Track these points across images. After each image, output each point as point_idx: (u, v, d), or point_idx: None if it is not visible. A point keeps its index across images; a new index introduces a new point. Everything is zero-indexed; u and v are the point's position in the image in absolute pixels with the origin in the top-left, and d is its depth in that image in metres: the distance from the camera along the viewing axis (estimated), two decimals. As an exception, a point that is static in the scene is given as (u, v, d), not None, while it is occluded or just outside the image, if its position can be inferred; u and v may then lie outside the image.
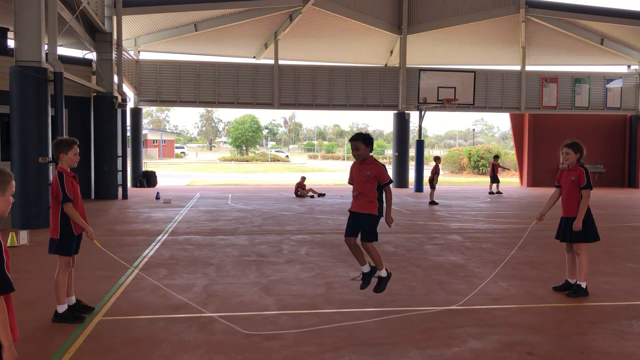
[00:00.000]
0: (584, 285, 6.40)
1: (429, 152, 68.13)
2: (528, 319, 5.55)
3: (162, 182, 26.34)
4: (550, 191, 6.75)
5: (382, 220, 5.88)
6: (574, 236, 6.36)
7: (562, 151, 6.49)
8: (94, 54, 18.36)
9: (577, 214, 6.30)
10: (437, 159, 18.99)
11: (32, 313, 5.58)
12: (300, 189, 20.35)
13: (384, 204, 5.86)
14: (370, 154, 5.86)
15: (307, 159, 74.48)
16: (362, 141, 5.76)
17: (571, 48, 27.33)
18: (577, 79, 27.35)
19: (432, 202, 17.70)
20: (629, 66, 28.62)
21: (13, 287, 2.73)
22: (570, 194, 6.41)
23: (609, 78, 27.68)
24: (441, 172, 19.34)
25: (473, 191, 24.11)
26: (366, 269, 5.97)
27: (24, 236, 9.59)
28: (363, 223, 5.74)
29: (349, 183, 6.00)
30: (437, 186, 18.42)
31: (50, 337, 4.89)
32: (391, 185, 5.89)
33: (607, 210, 16.28)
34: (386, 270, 5.99)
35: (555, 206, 6.64)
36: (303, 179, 21.23)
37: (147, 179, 24.48)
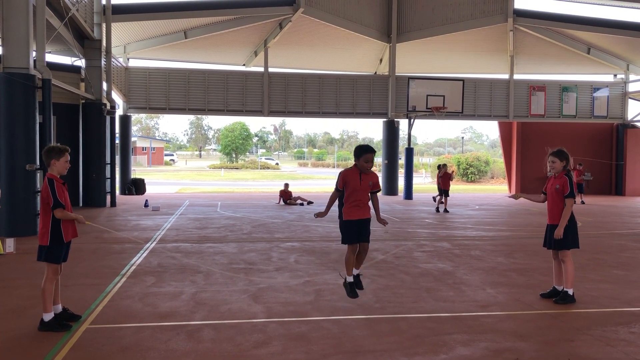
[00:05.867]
0: (570, 292, 6.45)
1: (418, 160, 68.34)
2: (515, 326, 5.58)
3: (151, 189, 26.23)
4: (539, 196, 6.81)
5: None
6: (556, 243, 6.43)
7: (548, 159, 6.54)
8: (83, 61, 18.30)
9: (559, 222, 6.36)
10: (440, 167, 18.58)
11: (18, 321, 5.52)
12: (290, 199, 20.21)
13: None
14: None
15: (297, 167, 74.47)
16: (375, 153, 6.23)
17: (558, 57, 27.63)
18: (565, 88, 27.63)
19: (445, 210, 17.79)
20: (615, 75, 28.96)
21: None
22: (554, 201, 6.47)
23: (595, 87, 28.00)
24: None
25: (462, 199, 24.22)
26: (349, 279, 6.28)
27: (10, 244, 9.50)
28: (368, 227, 6.23)
29: (339, 189, 6.24)
30: (431, 193, 18.40)
31: (36, 346, 4.85)
32: (379, 193, 6.22)
33: (595, 217, 16.41)
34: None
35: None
36: (286, 185, 21.09)
37: (136, 187, 24.35)
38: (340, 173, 6.27)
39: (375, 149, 6.40)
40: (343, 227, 6.23)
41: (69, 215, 5.33)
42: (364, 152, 6.12)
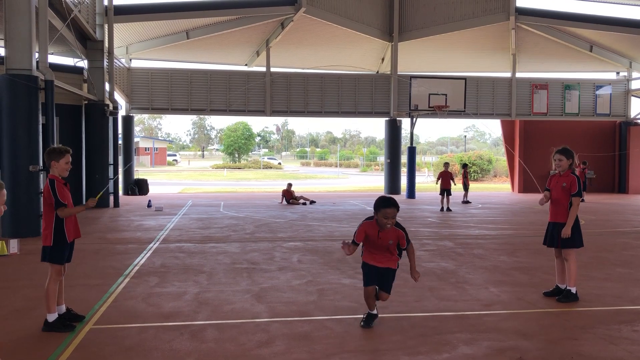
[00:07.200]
0: (574, 290, 6.44)
1: (420, 159, 68.31)
2: (518, 325, 5.58)
3: (154, 190, 26.25)
4: (540, 196, 6.77)
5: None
6: (562, 242, 6.40)
7: (554, 157, 6.51)
8: (85, 61, 18.33)
9: (567, 220, 6.33)
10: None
11: (21, 322, 5.54)
12: (292, 199, 20.19)
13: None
14: None
15: (299, 166, 74.50)
16: (398, 209, 5.30)
17: (561, 55, 27.57)
18: (567, 86, 27.57)
19: (448, 209, 18.17)
20: (617, 73, 28.89)
21: None
22: (559, 199, 6.44)
23: (598, 85, 27.94)
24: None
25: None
26: (375, 311, 5.63)
27: (14, 245, 9.53)
28: (390, 277, 5.51)
29: (356, 243, 5.39)
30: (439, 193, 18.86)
31: (40, 347, 4.86)
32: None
33: (598, 215, 16.38)
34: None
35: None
36: (290, 185, 21.08)
37: (139, 187, 24.39)
38: (360, 224, 5.42)
39: (399, 205, 5.35)
40: (362, 267, 5.57)
41: (74, 211, 5.37)
42: (382, 206, 5.21)
